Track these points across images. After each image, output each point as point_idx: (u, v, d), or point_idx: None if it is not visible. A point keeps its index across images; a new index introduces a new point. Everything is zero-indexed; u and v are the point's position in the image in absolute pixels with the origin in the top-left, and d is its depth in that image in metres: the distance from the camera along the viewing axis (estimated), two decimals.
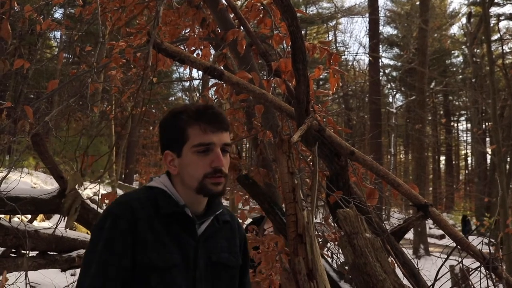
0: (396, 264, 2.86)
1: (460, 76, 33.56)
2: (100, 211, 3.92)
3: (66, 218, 4.40)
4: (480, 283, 2.91)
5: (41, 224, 9.87)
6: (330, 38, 32.72)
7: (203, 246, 1.69)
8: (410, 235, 20.09)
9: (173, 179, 1.74)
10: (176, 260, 1.61)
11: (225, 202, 18.33)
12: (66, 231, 4.30)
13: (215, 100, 4.57)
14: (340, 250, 3.68)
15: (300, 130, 1.69)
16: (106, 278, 1.55)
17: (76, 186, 1.50)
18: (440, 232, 22.55)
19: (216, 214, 1.78)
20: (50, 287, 6.06)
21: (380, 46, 28.36)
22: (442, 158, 42.49)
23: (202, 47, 4.50)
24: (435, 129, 35.56)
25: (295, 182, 1.50)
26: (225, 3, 4.21)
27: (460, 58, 35.02)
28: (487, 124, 27.42)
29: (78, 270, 6.57)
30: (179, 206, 1.68)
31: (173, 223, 1.65)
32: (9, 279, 4.18)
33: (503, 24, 26.56)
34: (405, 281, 2.42)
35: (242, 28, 4.02)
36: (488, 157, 22.41)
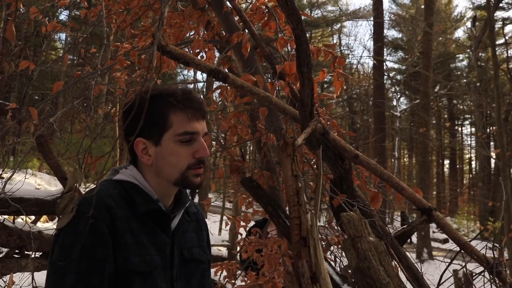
0: (399, 268, 2.85)
1: (465, 80, 33.55)
2: None
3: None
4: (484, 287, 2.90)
5: (44, 225, 9.89)
6: (335, 41, 32.73)
7: (176, 242, 1.59)
8: (413, 239, 20.06)
9: (144, 170, 1.59)
10: (156, 261, 1.50)
11: (228, 205, 18.28)
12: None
13: (220, 103, 4.57)
14: (343, 254, 3.68)
15: (305, 133, 1.69)
16: None
17: (77, 184, 1.45)
18: (444, 236, 22.50)
19: (186, 207, 1.68)
20: None
21: (385, 49, 28.41)
22: (446, 162, 42.46)
23: (207, 50, 4.51)
24: (439, 133, 35.49)
25: (299, 185, 1.50)
26: (230, 5, 4.22)
27: (465, 62, 35.03)
28: (491, 128, 27.38)
29: None
30: (154, 201, 1.54)
31: (149, 221, 1.52)
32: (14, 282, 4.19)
33: (508, 28, 26.56)
34: (408, 285, 2.41)
35: (246, 31, 4.03)
36: (493, 161, 22.38)
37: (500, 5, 20.66)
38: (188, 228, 1.67)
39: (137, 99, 1.57)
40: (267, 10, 4.04)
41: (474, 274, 3.07)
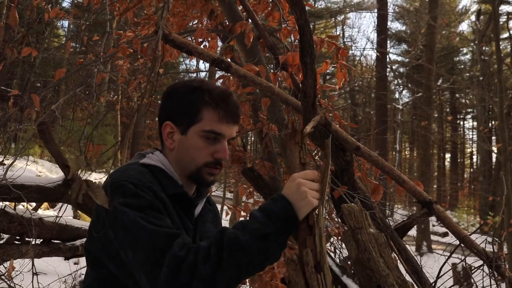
0: (399, 260, 2.86)
1: (468, 74, 33.41)
2: None
3: (71, 207, 4.42)
4: (483, 281, 2.90)
5: (45, 212, 9.92)
6: (338, 33, 32.58)
7: (198, 229, 1.63)
8: (413, 232, 20.09)
9: (167, 155, 1.63)
10: None
11: (229, 195, 18.31)
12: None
13: None
14: (343, 245, 3.69)
15: (313, 121, 1.67)
16: (169, 231, 1.35)
17: (79, 171, 1.45)
18: (443, 229, 22.55)
19: (208, 196, 1.73)
20: (53, 275, 6.10)
21: (388, 41, 28.22)
22: (448, 155, 42.36)
23: (210, 39, 4.49)
24: (441, 127, 35.40)
25: None
26: None
27: (468, 56, 34.83)
28: (493, 122, 27.34)
29: (81, 259, 6.61)
30: (180, 186, 1.58)
31: (175, 205, 1.53)
32: (15, 267, 4.21)
33: None
34: (407, 278, 2.42)
35: (250, 20, 4.01)
36: (494, 155, 22.34)
37: None
38: (207, 219, 1.71)
39: (179, 86, 1.64)
40: (271, 0, 4.02)
41: (473, 267, 3.08)
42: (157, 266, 1.30)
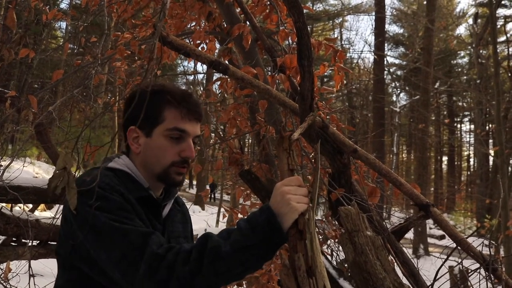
0: (396, 263, 2.86)
1: (465, 77, 33.54)
2: None
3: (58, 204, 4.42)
4: (479, 284, 2.91)
5: (42, 214, 9.89)
6: (336, 35, 32.64)
7: (167, 230, 1.64)
8: (410, 234, 20.09)
9: (133, 159, 1.64)
10: None
11: (226, 197, 18.29)
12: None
13: (219, 94, 4.57)
14: (340, 248, 3.69)
15: (301, 128, 1.68)
16: (139, 230, 1.38)
17: (66, 167, 1.45)
18: (440, 232, 22.57)
19: (176, 196, 1.75)
20: (50, 276, 6.09)
21: (386, 44, 28.31)
22: (445, 158, 42.43)
23: (208, 41, 4.49)
24: (438, 130, 35.49)
25: None
26: None
27: (466, 59, 34.97)
28: (490, 125, 27.40)
29: None
30: (145, 189, 1.59)
31: (143, 207, 1.54)
32: (11, 269, 4.20)
33: (510, 26, 26.47)
34: (404, 280, 2.42)
35: (248, 23, 4.02)
36: (491, 158, 22.39)
37: (502, 2, 20.61)
38: (175, 219, 1.73)
39: (139, 90, 1.63)
40: (268, 3, 4.02)
41: (470, 270, 3.08)
42: (134, 263, 1.33)
